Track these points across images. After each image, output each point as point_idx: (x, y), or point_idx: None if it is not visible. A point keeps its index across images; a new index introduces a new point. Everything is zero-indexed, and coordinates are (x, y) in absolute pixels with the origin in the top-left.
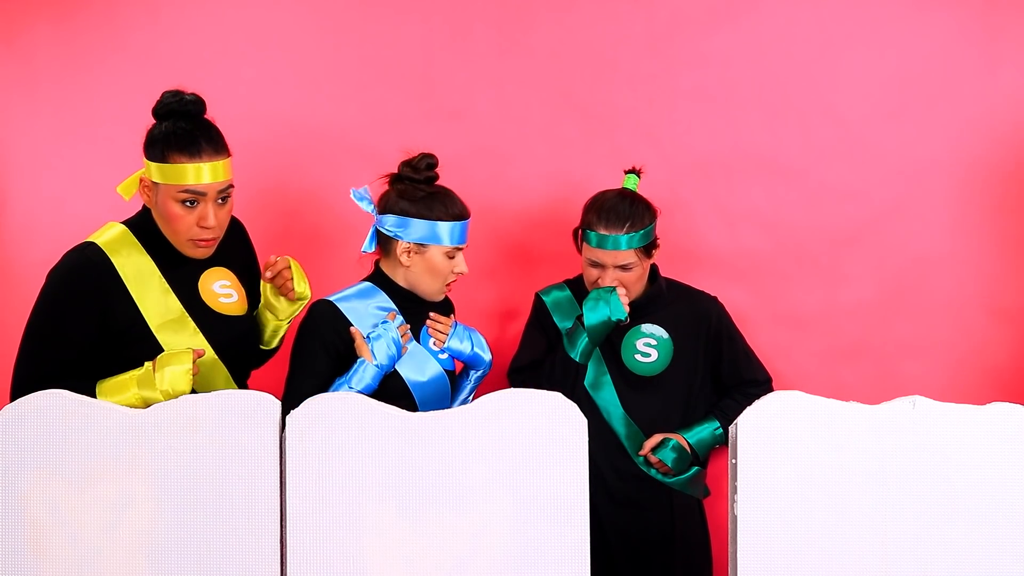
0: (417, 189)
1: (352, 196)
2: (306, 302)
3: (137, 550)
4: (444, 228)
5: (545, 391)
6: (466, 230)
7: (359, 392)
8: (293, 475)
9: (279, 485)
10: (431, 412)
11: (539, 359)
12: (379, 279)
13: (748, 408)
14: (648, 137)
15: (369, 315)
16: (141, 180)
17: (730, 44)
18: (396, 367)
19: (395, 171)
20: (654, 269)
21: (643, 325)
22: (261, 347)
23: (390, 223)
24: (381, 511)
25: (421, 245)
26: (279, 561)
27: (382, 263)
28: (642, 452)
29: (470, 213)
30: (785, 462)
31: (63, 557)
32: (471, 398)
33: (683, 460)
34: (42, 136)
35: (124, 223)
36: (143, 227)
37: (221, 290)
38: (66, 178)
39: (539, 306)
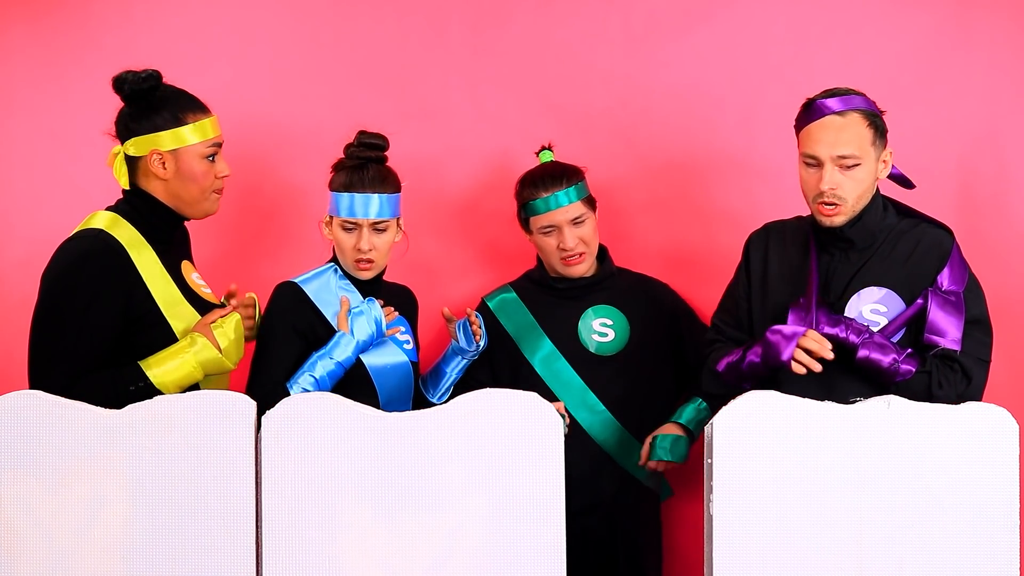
0: (340, 163)
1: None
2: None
3: (112, 551)
4: (341, 198)
5: (521, 391)
6: (368, 205)
7: (339, 363)
8: (268, 475)
9: (254, 485)
10: (407, 412)
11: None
12: (335, 259)
13: (723, 408)
14: (623, 137)
15: (331, 293)
16: (152, 153)
17: (705, 44)
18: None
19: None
20: (604, 251)
21: (595, 307)
22: None
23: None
24: (357, 511)
25: (332, 218)
26: (255, 562)
27: None
28: (644, 463)
29: (394, 190)
30: (760, 462)
31: (37, 558)
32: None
33: (679, 445)
34: (17, 136)
35: (109, 210)
36: (130, 213)
37: (199, 280)
38: (41, 179)
39: (483, 312)
